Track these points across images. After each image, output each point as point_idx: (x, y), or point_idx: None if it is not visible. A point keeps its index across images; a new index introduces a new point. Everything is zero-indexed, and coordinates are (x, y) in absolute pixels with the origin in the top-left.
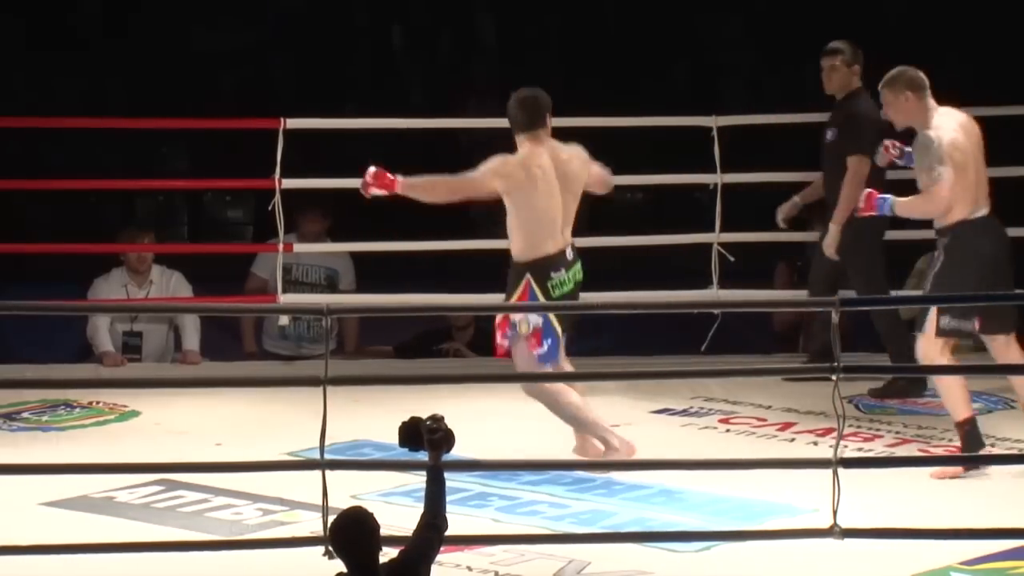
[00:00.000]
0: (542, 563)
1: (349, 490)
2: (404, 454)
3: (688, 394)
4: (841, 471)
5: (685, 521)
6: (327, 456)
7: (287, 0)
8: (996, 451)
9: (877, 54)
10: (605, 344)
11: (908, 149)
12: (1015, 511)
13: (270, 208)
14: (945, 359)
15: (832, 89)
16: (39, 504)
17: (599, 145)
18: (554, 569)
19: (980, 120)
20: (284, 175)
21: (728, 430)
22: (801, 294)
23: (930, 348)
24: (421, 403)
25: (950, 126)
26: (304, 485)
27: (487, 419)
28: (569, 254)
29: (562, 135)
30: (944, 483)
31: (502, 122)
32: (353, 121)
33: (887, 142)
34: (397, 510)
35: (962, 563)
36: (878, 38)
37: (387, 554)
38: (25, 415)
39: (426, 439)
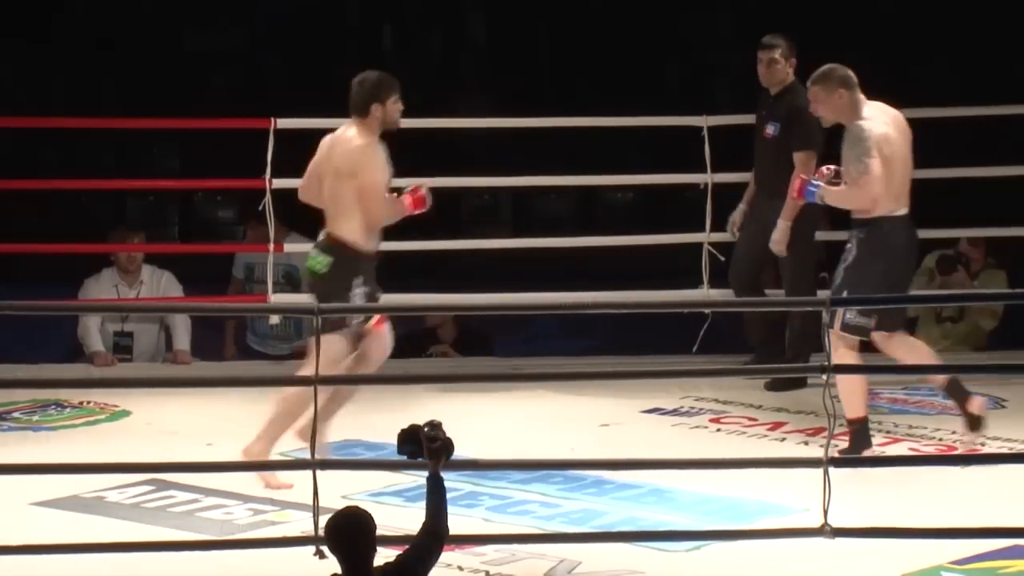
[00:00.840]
0: (533, 563)
1: (340, 490)
2: (394, 454)
3: (679, 394)
4: (832, 470)
5: (676, 521)
6: (318, 456)
7: (278, 0)
8: (987, 451)
9: (866, 52)
10: (596, 344)
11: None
12: (1005, 510)
13: (260, 208)
14: (851, 355)
15: (771, 83)
16: (30, 504)
17: (589, 144)
18: (545, 569)
19: (973, 120)
20: (275, 175)
21: (719, 430)
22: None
23: (838, 344)
24: (410, 403)
25: (881, 120)
26: (295, 484)
27: (476, 419)
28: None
29: (553, 134)
30: (935, 483)
31: (493, 121)
32: (344, 121)
33: (822, 168)
34: (387, 510)
35: (952, 562)
36: (866, 36)
37: (386, 556)
38: (16, 415)
39: (425, 447)
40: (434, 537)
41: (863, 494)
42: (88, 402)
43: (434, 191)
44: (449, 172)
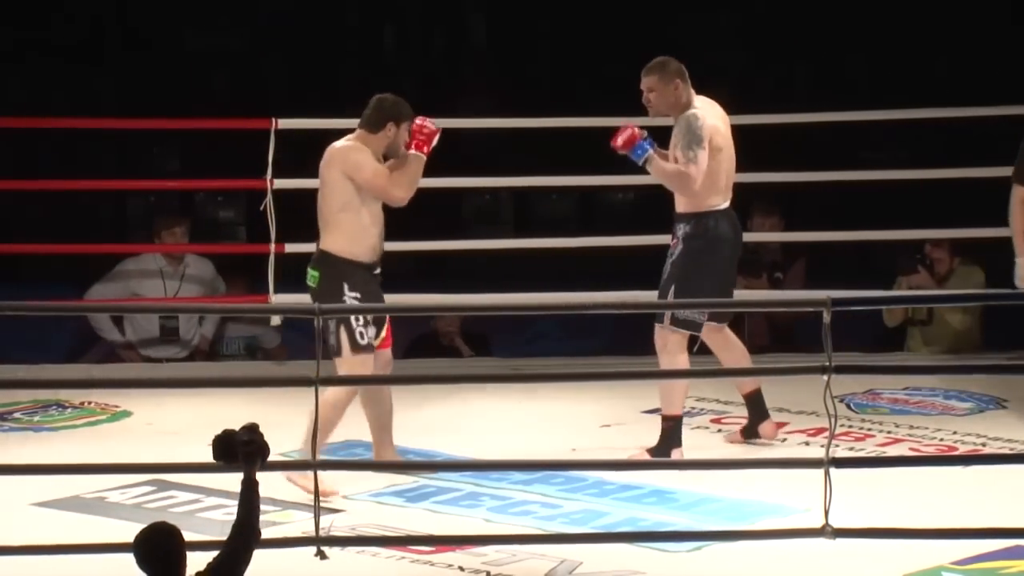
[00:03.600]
0: (534, 563)
1: (340, 490)
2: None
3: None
4: (833, 471)
5: (677, 521)
6: (319, 456)
7: (279, 0)
8: (988, 451)
9: (863, 54)
10: (596, 344)
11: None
12: (1007, 511)
13: (261, 208)
14: (681, 349)
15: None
16: (31, 504)
17: (590, 145)
18: (546, 569)
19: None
20: (276, 175)
21: (720, 430)
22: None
23: (666, 338)
24: (411, 404)
25: (712, 113)
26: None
27: (476, 419)
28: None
29: (552, 135)
30: (936, 483)
31: (494, 121)
32: (345, 121)
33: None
34: (388, 510)
35: (954, 563)
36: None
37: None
38: (17, 415)
39: (241, 452)
40: (245, 538)
41: (864, 495)
42: (89, 402)
43: (435, 192)
44: (450, 173)
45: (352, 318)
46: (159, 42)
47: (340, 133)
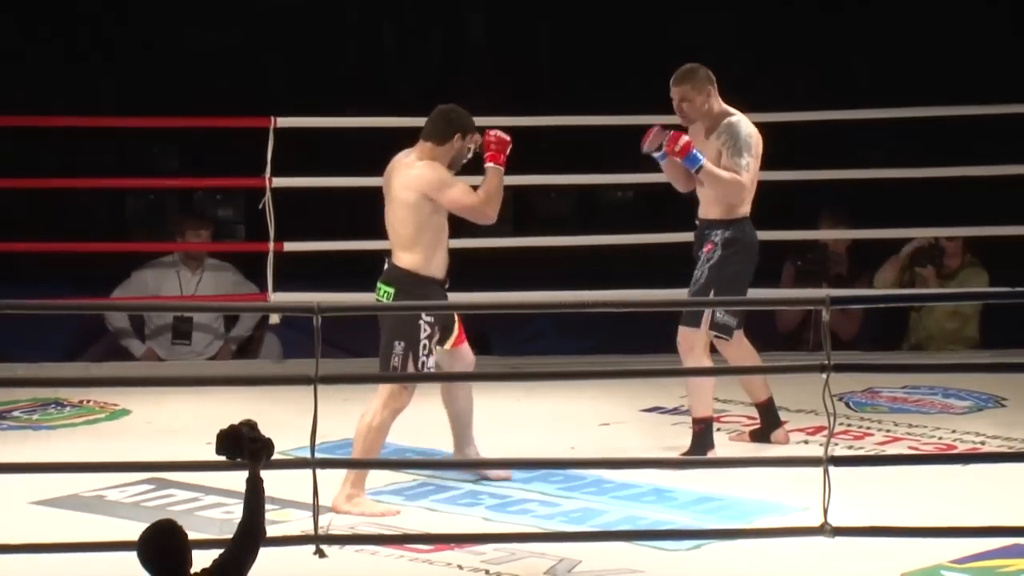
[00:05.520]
0: (533, 561)
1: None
2: (393, 452)
3: (679, 392)
4: (832, 469)
5: (676, 520)
6: (318, 455)
7: None
8: (987, 450)
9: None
10: (595, 343)
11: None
12: (1005, 509)
13: (260, 207)
14: (706, 354)
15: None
16: (29, 503)
17: (589, 143)
18: (545, 567)
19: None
20: (275, 174)
21: (719, 429)
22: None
23: (697, 340)
24: (412, 402)
25: (749, 122)
26: (295, 484)
27: (477, 418)
28: (386, 265)
29: (552, 134)
30: (934, 482)
31: (492, 120)
32: (343, 120)
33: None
34: (387, 509)
35: (952, 561)
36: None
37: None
38: (16, 414)
39: (247, 448)
40: (251, 536)
41: (863, 493)
42: (88, 401)
43: None
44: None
45: (421, 345)
46: (159, 41)
47: (339, 132)
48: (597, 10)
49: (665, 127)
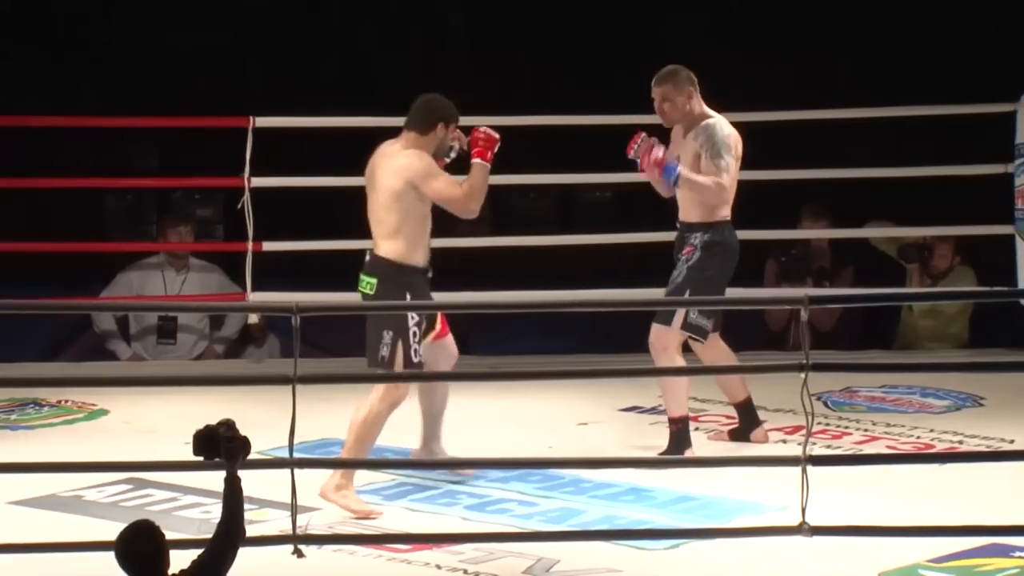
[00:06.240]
0: (511, 561)
1: (318, 489)
2: (371, 452)
3: (657, 392)
4: (810, 469)
5: (654, 519)
6: (296, 455)
7: None
8: (965, 449)
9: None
10: (573, 343)
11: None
12: (983, 509)
13: (239, 207)
14: (679, 354)
15: None
16: (7, 503)
17: (568, 143)
18: (523, 567)
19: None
20: (253, 173)
21: (697, 428)
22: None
23: (670, 340)
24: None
25: (728, 124)
26: (273, 483)
27: (455, 417)
28: (368, 257)
29: (535, 133)
30: (913, 481)
31: (472, 120)
32: (323, 120)
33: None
34: (370, 511)
35: (930, 560)
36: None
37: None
38: None
39: (223, 448)
40: (229, 537)
41: (841, 492)
42: (66, 401)
43: None
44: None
45: (411, 332)
46: (138, 41)
47: (318, 132)
48: (579, 9)
49: (643, 131)
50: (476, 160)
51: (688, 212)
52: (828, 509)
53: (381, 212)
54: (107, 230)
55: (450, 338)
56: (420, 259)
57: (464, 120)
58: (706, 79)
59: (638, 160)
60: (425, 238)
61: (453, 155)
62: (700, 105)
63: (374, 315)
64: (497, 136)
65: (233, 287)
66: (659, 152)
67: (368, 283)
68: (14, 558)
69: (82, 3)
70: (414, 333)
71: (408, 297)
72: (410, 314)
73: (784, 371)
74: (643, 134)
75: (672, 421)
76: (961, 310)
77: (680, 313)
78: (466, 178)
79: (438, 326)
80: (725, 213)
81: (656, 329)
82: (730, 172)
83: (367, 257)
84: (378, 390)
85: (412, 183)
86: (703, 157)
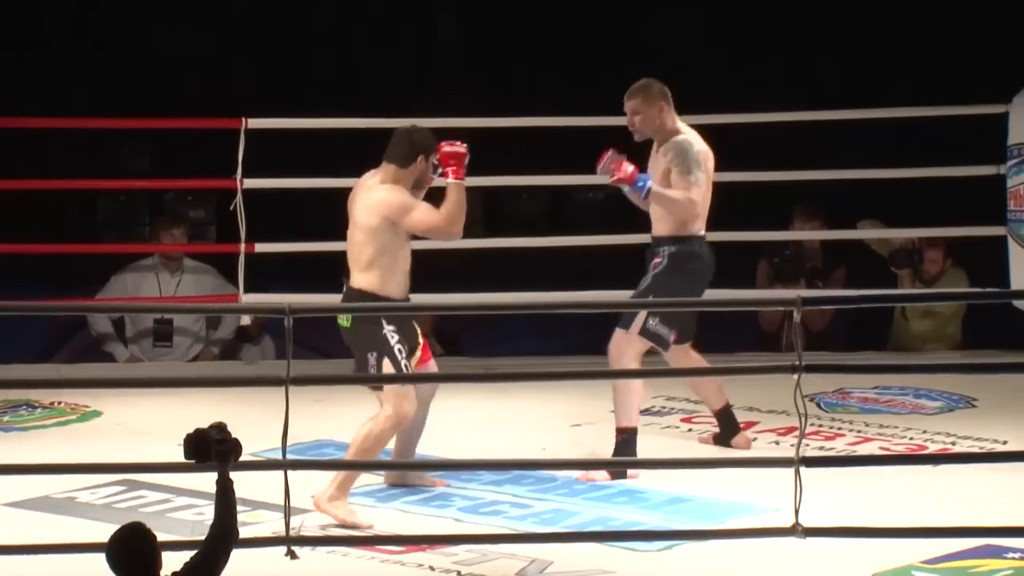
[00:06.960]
0: (505, 563)
1: (311, 490)
2: None
3: (650, 393)
4: (803, 470)
5: (647, 520)
6: (289, 456)
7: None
8: (958, 450)
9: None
10: (566, 344)
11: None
12: (976, 510)
13: (231, 208)
14: (637, 361)
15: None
16: (0, 505)
17: (560, 144)
18: (516, 569)
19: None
20: (245, 175)
21: (690, 429)
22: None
23: (628, 346)
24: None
25: (700, 139)
26: (266, 485)
27: (449, 419)
28: (344, 289)
29: (525, 135)
30: (905, 482)
31: (465, 121)
32: (315, 121)
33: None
34: (359, 510)
35: (923, 562)
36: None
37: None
38: None
39: (215, 451)
40: (222, 538)
41: (834, 494)
42: (59, 402)
43: None
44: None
45: (395, 350)
46: (129, 42)
47: (310, 133)
48: (570, 10)
49: (615, 150)
50: (451, 181)
51: (659, 226)
52: (821, 510)
53: (358, 246)
54: (100, 232)
55: (432, 364)
56: (395, 290)
57: (455, 121)
58: (696, 80)
59: (608, 176)
60: (401, 271)
61: (439, 173)
62: (673, 120)
63: (357, 343)
64: (464, 149)
65: (228, 288)
66: (627, 168)
67: (344, 316)
68: (7, 560)
69: (74, 4)
70: (399, 349)
71: (385, 325)
72: (390, 333)
73: (777, 372)
74: (611, 151)
75: (619, 431)
76: (956, 311)
77: (639, 319)
78: (443, 203)
79: (419, 353)
80: (696, 228)
81: (617, 333)
82: (700, 187)
83: (343, 289)
84: (386, 409)
85: (389, 219)
86: (673, 172)
